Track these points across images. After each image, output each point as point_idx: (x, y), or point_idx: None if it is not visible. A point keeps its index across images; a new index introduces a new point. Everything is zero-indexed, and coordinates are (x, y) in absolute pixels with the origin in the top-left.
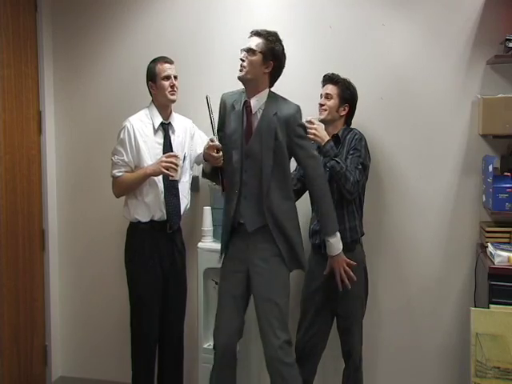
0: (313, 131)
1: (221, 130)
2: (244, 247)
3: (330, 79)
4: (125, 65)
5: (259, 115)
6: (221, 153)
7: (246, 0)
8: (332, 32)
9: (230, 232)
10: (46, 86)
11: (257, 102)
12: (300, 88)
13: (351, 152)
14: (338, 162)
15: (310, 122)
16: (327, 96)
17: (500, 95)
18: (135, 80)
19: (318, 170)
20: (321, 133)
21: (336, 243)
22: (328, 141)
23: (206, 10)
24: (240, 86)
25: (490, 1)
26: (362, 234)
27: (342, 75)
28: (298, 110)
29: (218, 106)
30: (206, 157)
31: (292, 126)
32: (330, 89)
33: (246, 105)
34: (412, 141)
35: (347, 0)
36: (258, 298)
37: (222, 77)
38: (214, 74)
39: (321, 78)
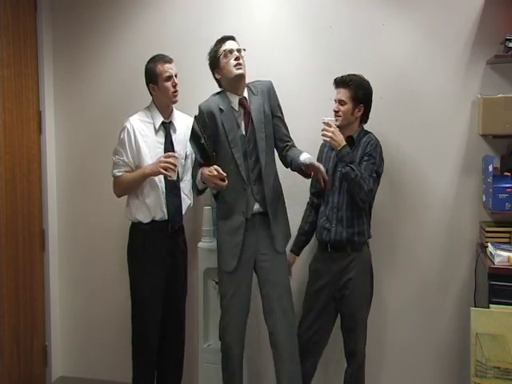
0: (330, 134)
1: (215, 142)
2: (253, 238)
3: (341, 82)
4: (125, 65)
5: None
6: (226, 181)
7: None
8: (332, 32)
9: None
10: (46, 86)
11: (247, 94)
12: (300, 88)
13: (366, 158)
14: (353, 169)
15: (328, 125)
16: (340, 102)
17: (500, 95)
18: (135, 80)
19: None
20: (338, 137)
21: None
22: (344, 146)
23: (207, 10)
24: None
25: (490, 1)
26: (370, 237)
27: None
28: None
29: (201, 118)
30: (209, 184)
31: (273, 95)
32: (343, 93)
33: (242, 101)
34: (412, 141)
35: (347, 0)
36: (266, 284)
37: None
38: None
39: (321, 78)
